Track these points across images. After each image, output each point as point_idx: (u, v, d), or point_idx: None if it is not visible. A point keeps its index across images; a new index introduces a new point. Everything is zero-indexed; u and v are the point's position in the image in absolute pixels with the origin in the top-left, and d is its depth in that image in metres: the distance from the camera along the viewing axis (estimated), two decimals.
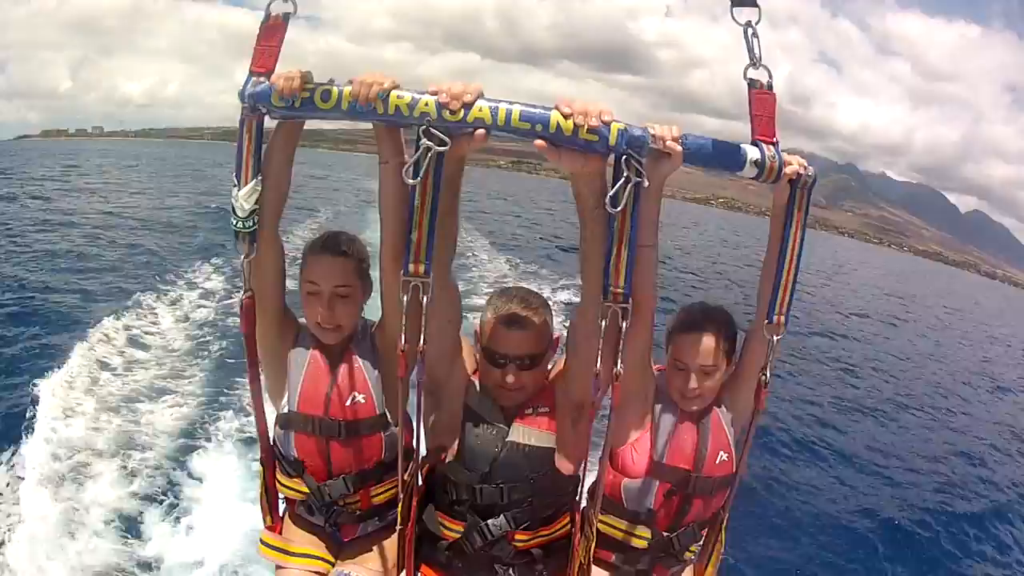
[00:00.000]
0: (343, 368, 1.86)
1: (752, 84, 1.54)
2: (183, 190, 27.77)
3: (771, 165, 1.50)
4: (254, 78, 1.48)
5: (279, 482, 1.96)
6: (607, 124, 1.35)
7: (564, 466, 1.85)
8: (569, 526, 1.96)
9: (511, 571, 1.94)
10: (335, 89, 1.42)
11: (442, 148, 1.38)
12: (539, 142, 1.38)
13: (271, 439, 1.93)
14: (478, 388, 1.88)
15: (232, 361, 7.00)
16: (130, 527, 4.56)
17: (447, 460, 1.86)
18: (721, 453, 1.85)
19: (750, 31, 1.50)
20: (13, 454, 4.99)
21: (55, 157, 48.46)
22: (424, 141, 1.37)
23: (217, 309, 9.05)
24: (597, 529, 1.76)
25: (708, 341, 1.79)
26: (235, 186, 1.59)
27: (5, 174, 28.20)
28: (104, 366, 6.83)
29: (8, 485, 4.66)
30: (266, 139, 1.60)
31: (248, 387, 1.87)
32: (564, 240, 20.64)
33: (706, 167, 1.52)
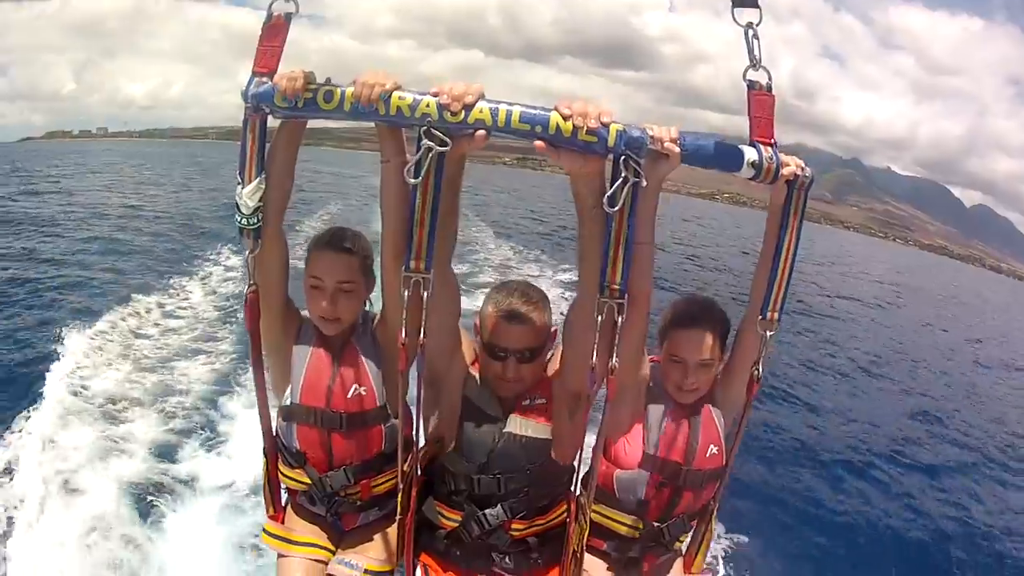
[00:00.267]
0: (345, 361, 1.89)
1: (752, 85, 1.54)
2: (195, 185, 28.94)
3: (768, 166, 1.52)
4: (257, 78, 1.49)
5: (281, 473, 2.00)
6: (606, 126, 1.36)
7: (560, 457, 1.89)
8: (564, 515, 1.99)
9: (507, 559, 1.98)
10: (337, 90, 1.43)
11: (443, 148, 1.39)
12: (539, 143, 1.39)
13: (274, 431, 1.96)
14: (478, 380, 1.90)
15: None
16: (166, 452, 5.19)
17: (446, 451, 1.90)
18: (711, 446, 1.88)
19: (751, 32, 1.51)
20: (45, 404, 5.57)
21: (66, 156, 50.27)
22: (425, 142, 1.39)
23: (243, 277, 9.47)
24: (590, 518, 1.80)
25: (706, 336, 1.82)
26: (239, 184, 1.61)
27: (18, 173, 28.88)
28: (138, 335, 7.64)
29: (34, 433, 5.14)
30: (270, 138, 1.61)
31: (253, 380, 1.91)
32: (568, 231, 20.70)
33: (704, 167, 1.53)
